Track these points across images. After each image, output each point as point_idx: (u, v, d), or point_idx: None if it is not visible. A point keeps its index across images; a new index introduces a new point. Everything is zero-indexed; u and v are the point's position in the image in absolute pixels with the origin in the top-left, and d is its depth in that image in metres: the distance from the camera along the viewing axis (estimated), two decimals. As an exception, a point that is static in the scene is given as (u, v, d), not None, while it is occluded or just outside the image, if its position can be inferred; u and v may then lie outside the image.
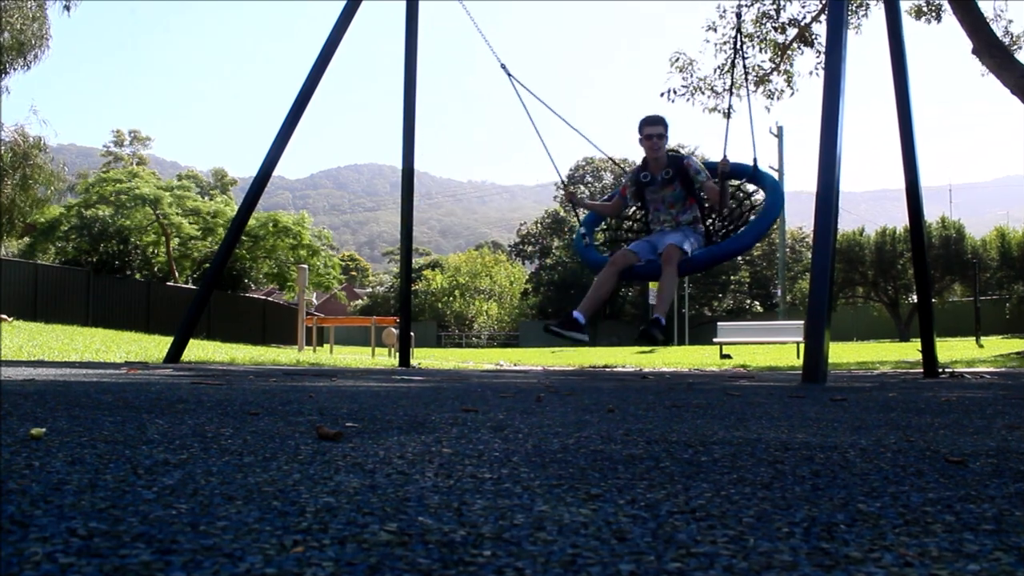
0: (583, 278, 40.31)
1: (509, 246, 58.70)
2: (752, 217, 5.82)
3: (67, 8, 15.68)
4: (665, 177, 5.48)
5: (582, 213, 6.35)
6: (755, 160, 5.62)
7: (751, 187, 5.99)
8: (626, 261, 5.25)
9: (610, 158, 8.52)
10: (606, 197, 6.39)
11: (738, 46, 7.88)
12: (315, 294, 37.27)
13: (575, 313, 4.96)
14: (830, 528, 0.86)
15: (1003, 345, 15.33)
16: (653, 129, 5.48)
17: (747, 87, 6.69)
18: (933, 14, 11.52)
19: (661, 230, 5.55)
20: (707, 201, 5.57)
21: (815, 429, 1.86)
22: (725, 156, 5.39)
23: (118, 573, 0.64)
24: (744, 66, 12.03)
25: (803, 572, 0.70)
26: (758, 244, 42.67)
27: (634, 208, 6.08)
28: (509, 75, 6.59)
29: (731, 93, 9.85)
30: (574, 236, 5.99)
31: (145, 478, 1.04)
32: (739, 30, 6.71)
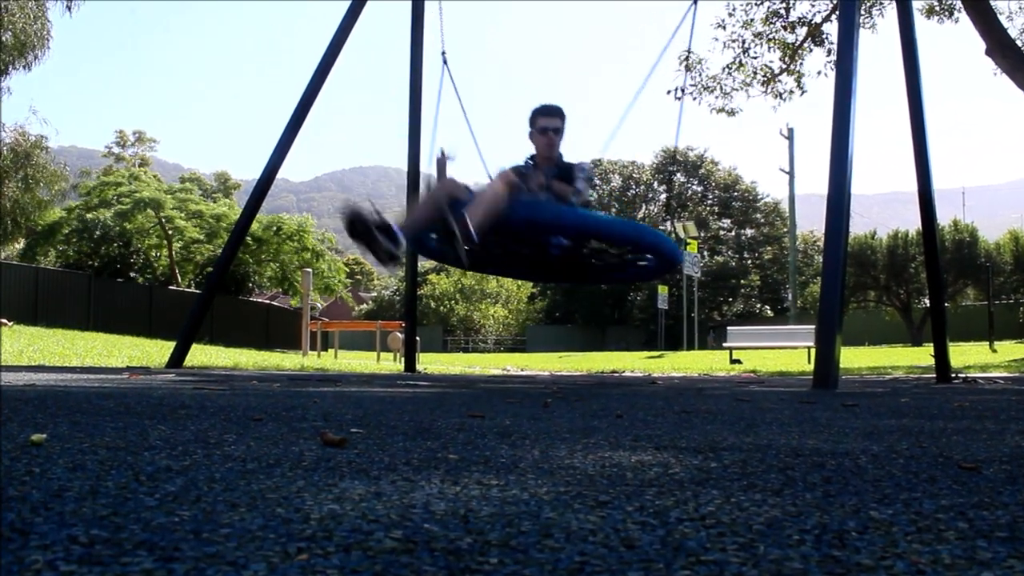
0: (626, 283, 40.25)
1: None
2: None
3: (68, 8, 15.70)
4: (550, 175, 4.45)
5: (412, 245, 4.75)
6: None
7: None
8: (457, 187, 3.97)
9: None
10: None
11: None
12: (320, 298, 37.38)
13: (396, 229, 3.70)
14: (841, 535, 0.85)
15: (1017, 350, 15.22)
16: (549, 121, 4.46)
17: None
18: (946, 13, 11.44)
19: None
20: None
21: (826, 435, 1.84)
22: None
23: (119, 581, 0.63)
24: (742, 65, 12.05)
25: (814, 581, 0.69)
26: (764, 250, 42.32)
27: None
28: (445, 63, 6.47)
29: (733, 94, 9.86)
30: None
31: (147, 485, 1.04)
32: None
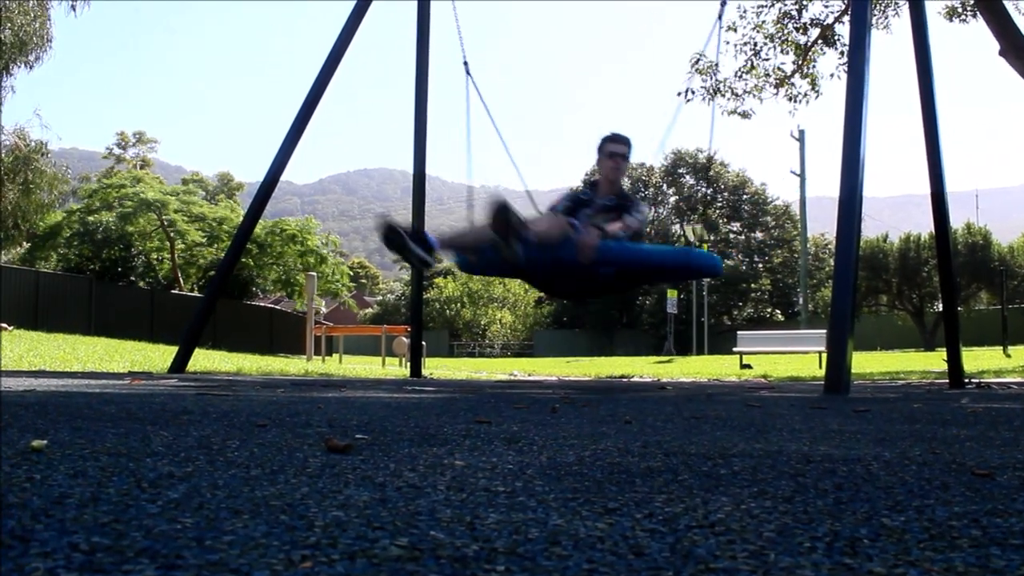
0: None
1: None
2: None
3: (73, 8, 15.69)
4: (608, 203, 4.57)
5: (448, 255, 4.56)
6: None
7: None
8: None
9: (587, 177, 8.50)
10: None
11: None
12: (324, 302, 37.37)
13: (430, 235, 4.05)
14: (853, 543, 0.84)
15: (1031, 354, 15.09)
16: (618, 148, 4.65)
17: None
18: (970, 12, 11.36)
19: None
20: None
21: (838, 441, 1.83)
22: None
23: (120, 589, 0.63)
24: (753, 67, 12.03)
25: (825, 591, 0.68)
26: (775, 253, 42.17)
27: None
28: (468, 74, 6.52)
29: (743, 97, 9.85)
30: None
31: (149, 491, 1.04)
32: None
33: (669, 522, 0.93)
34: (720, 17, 6.32)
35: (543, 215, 4.39)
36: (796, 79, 12.56)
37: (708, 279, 6.15)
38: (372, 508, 0.96)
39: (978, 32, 10.39)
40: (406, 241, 3.93)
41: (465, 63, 6.72)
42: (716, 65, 12.44)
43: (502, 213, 3.85)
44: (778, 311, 42.41)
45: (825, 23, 12.30)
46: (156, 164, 60.94)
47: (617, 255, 4.32)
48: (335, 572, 0.69)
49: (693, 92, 12.51)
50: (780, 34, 12.45)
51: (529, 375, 11.14)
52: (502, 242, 3.93)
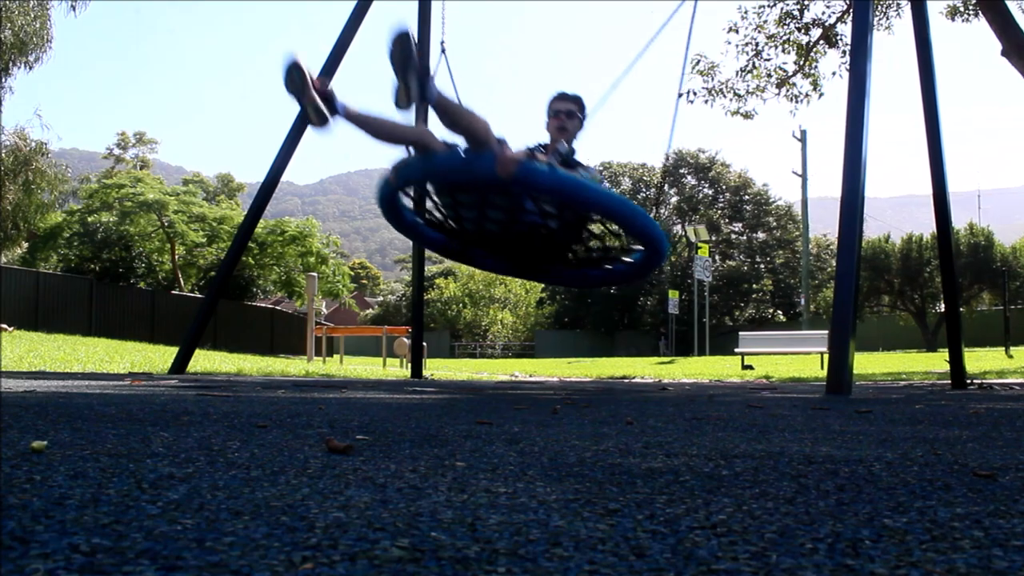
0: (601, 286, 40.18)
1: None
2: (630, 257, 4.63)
3: (73, 8, 15.66)
4: (556, 161, 4.17)
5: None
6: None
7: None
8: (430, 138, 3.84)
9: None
10: None
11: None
12: (324, 303, 37.28)
13: (339, 101, 3.70)
14: (855, 544, 0.84)
15: (1033, 354, 15.07)
16: (562, 105, 4.31)
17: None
18: (972, 12, 11.34)
19: None
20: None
21: (840, 442, 1.83)
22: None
23: (121, 591, 0.63)
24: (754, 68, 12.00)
25: (827, 592, 0.68)
26: (776, 253, 42.07)
27: None
28: (443, 52, 6.31)
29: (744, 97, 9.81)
30: (380, 184, 4.35)
31: (149, 492, 1.03)
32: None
33: (671, 523, 0.93)
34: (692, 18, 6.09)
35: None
36: (797, 79, 12.55)
37: (650, 256, 4.39)
38: (373, 509, 0.96)
39: (980, 32, 10.40)
40: (308, 87, 3.62)
41: (442, 43, 6.67)
42: (703, 63, 12.40)
43: (403, 41, 3.52)
44: (780, 312, 42.37)
45: (827, 23, 12.28)
46: (156, 165, 60.78)
47: (542, 178, 3.74)
48: (336, 573, 0.69)
49: (695, 93, 12.52)
50: (782, 34, 12.44)
51: (530, 376, 11.14)
52: (398, 78, 3.60)
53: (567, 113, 4.31)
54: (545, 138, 4.38)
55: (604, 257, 4.70)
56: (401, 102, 3.73)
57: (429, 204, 4.49)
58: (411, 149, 4.00)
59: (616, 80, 5.40)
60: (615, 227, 4.37)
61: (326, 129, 3.75)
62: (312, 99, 3.67)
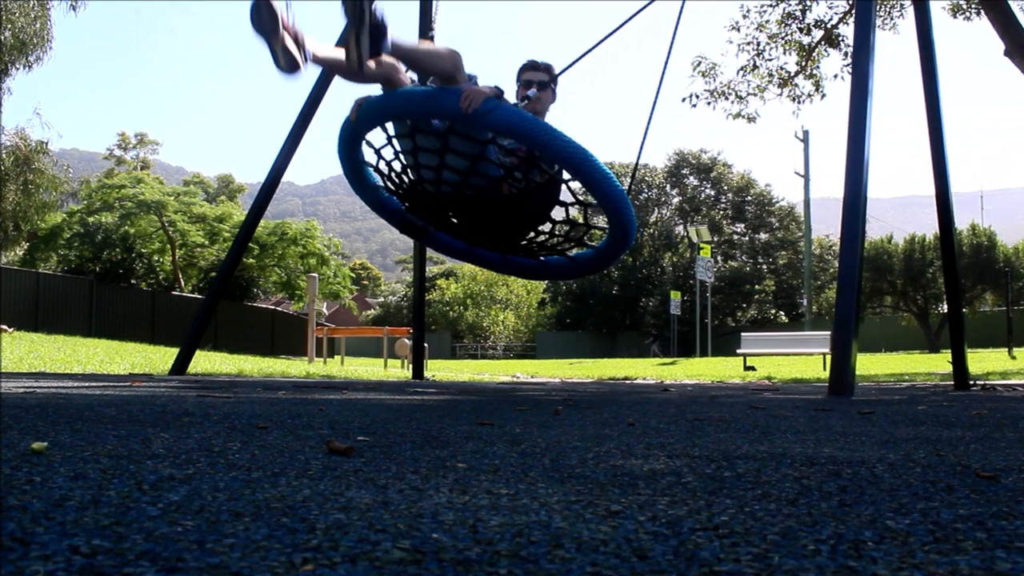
0: (603, 287, 40.16)
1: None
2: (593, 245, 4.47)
3: (73, 8, 15.64)
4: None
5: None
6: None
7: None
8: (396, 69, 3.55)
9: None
10: None
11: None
12: (325, 304, 37.22)
13: (308, 49, 3.41)
14: (857, 545, 0.84)
15: (1036, 355, 15.04)
16: (532, 75, 4.09)
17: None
18: (974, 10, 11.32)
19: None
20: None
21: (842, 443, 1.82)
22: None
23: (121, 592, 0.62)
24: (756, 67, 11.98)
25: (829, 594, 0.67)
26: (779, 254, 41.97)
27: None
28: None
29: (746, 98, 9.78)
30: (342, 127, 4.16)
31: (150, 494, 1.03)
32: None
33: (673, 524, 0.92)
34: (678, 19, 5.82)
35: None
36: (799, 79, 12.54)
37: (616, 237, 4.18)
38: (374, 511, 0.96)
39: (983, 32, 10.38)
40: (278, 27, 3.30)
41: (431, 34, 6.56)
42: (705, 64, 12.36)
43: (262, 11, 3.29)
44: (782, 313, 42.32)
45: (829, 24, 12.28)
46: (157, 165, 60.71)
47: (507, 115, 3.51)
48: (337, 575, 0.69)
49: (697, 96, 12.51)
50: (783, 34, 12.43)
51: (532, 377, 11.14)
52: (351, 24, 3.38)
53: (539, 84, 4.07)
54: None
55: (567, 242, 4.45)
56: (351, 61, 3.41)
57: (389, 154, 4.12)
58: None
59: (586, 51, 4.96)
60: (581, 198, 4.13)
61: (296, 75, 3.42)
62: (283, 41, 3.31)
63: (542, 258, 4.64)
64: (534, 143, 3.67)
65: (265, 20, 3.31)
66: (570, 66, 4.57)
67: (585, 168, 3.71)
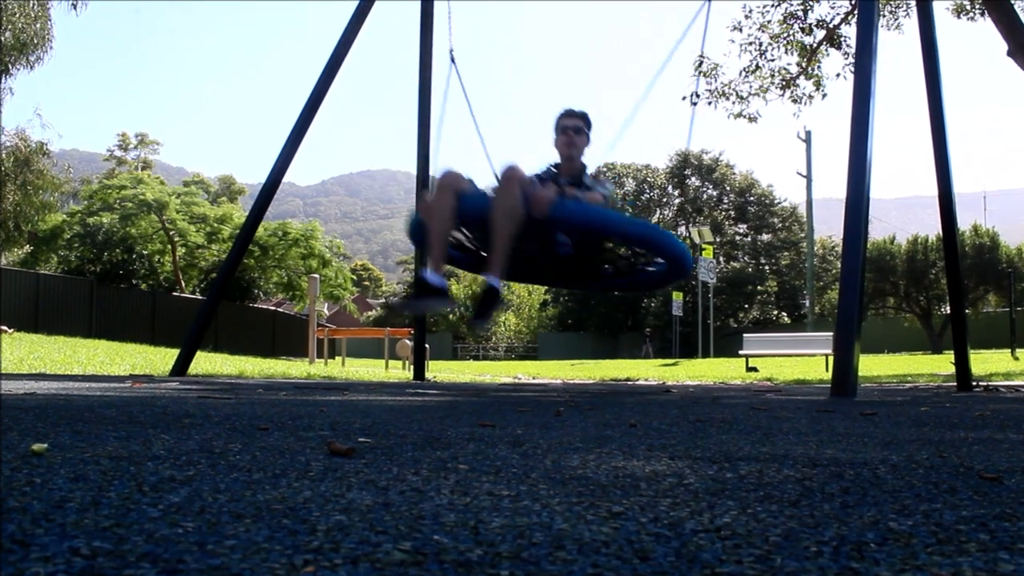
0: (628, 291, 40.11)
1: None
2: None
3: (74, 7, 15.61)
4: (568, 183, 4.40)
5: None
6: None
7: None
8: (458, 182, 3.89)
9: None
10: None
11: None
12: (326, 305, 37.17)
13: (428, 275, 3.71)
14: (860, 547, 0.84)
15: (1039, 356, 15.02)
16: (570, 121, 4.44)
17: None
18: (978, 10, 11.30)
19: None
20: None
21: (844, 445, 1.82)
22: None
23: (121, 594, 0.62)
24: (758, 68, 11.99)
25: (832, 596, 0.67)
26: (781, 254, 41.99)
27: None
28: (452, 62, 6.50)
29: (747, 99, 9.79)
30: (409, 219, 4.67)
31: (150, 495, 1.03)
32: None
33: (675, 526, 0.92)
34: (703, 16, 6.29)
35: (497, 189, 3.90)
36: (801, 80, 12.54)
37: (675, 273, 4.85)
38: (375, 512, 0.96)
39: (986, 32, 10.35)
40: (424, 307, 3.85)
41: (451, 52, 6.77)
42: (707, 64, 12.36)
43: (493, 297, 3.77)
44: (784, 313, 42.30)
45: (831, 24, 12.27)
46: (158, 166, 60.68)
47: (574, 213, 3.97)
48: (337, 577, 0.68)
49: (698, 96, 12.49)
50: (785, 35, 12.43)
51: (533, 378, 11.14)
52: (473, 313, 3.87)
53: (575, 129, 4.41)
54: (554, 153, 4.49)
55: (630, 266, 4.84)
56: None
57: (459, 235, 4.49)
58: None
59: (637, 104, 5.63)
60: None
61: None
62: (438, 305, 3.77)
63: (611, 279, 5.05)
64: (598, 230, 4.17)
65: (439, 305, 3.77)
66: (617, 139, 5.10)
67: (647, 240, 4.30)
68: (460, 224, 4.14)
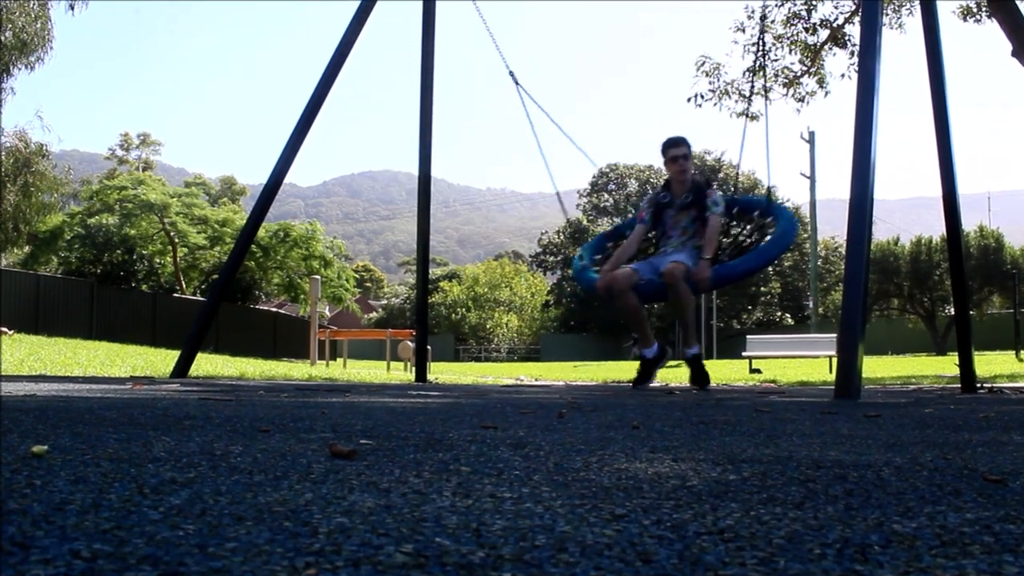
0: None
1: (530, 256, 58.56)
2: (763, 243, 5.85)
3: (71, 7, 15.63)
4: (685, 201, 5.41)
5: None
6: (769, 191, 5.87)
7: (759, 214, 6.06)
8: (630, 280, 5.17)
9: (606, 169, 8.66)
10: (620, 227, 6.72)
11: (763, 48, 7.85)
12: (328, 306, 37.14)
13: (646, 352, 5.33)
14: (864, 549, 0.83)
15: (1043, 357, 14.98)
16: (678, 151, 5.42)
17: (767, 99, 6.73)
18: (985, 13, 11.29)
19: (663, 251, 5.50)
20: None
21: (848, 446, 1.82)
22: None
23: (121, 597, 0.62)
24: (763, 68, 11.97)
25: (835, 599, 0.67)
26: (785, 255, 42.13)
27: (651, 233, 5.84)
28: (516, 83, 6.78)
29: (750, 98, 9.77)
30: (573, 260, 6.04)
31: (151, 498, 1.03)
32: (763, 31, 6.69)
33: (677, 528, 0.92)
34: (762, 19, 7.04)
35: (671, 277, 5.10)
36: (804, 79, 12.53)
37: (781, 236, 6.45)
38: (377, 514, 0.96)
39: (991, 33, 10.33)
40: (655, 371, 5.53)
41: (511, 73, 7.08)
42: (709, 64, 12.36)
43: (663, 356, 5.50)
44: (788, 315, 42.24)
45: (835, 24, 12.26)
46: (158, 166, 60.66)
47: (728, 274, 5.47)
48: (339, 579, 0.68)
49: (702, 96, 12.50)
50: (789, 34, 12.42)
51: (536, 380, 11.13)
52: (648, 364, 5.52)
53: (683, 157, 5.43)
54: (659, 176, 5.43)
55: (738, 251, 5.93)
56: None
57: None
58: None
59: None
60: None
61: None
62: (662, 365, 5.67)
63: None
64: (745, 275, 5.85)
65: (663, 364, 5.66)
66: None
67: (777, 256, 6.12)
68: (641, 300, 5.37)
